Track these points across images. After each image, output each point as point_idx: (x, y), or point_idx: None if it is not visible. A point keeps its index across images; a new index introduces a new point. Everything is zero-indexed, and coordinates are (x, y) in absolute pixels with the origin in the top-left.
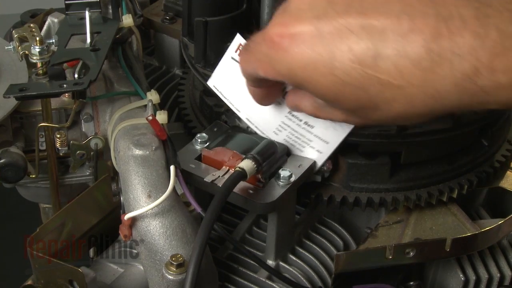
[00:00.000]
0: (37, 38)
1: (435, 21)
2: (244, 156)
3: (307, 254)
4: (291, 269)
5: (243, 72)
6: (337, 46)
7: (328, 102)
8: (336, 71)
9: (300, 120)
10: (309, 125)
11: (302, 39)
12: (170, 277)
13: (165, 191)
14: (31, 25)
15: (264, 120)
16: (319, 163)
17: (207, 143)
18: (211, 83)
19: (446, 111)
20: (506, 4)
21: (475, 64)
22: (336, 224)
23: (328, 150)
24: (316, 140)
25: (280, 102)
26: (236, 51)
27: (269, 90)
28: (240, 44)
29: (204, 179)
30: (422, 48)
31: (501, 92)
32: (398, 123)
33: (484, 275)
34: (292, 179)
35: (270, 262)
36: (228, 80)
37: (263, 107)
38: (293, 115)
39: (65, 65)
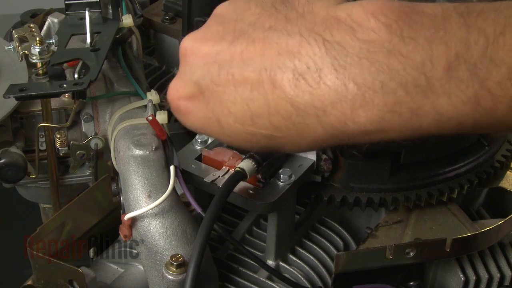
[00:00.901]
0: (37, 38)
1: (292, 75)
2: (244, 156)
3: (307, 254)
4: (291, 269)
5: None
6: (220, 110)
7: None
8: (226, 131)
9: None
10: None
11: (191, 101)
12: (170, 277)
13: (165, 191)
14: (31, 25)
15: None
16: (314, 157)
17: (207, 143)
18: None
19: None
20: (364, 52)
21: (340, 117)
22: (336, 224)
23: None
24: None
25: None
26: None
27: None
28: None
29: (204, 179)
30: (288, 104)
31: (372, 136)
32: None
33: (484, 275)
34: (292, 179)
35: (270, 262)
36: None
37: None
38: None
39: (65, 65)
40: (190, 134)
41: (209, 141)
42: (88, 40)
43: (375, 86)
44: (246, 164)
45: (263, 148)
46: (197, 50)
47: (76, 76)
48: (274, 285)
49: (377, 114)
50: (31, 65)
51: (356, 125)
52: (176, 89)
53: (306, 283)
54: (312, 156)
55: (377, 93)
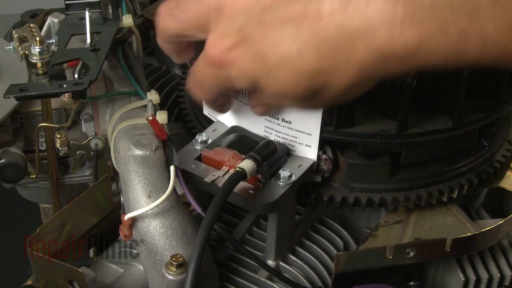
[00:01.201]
0: (37, 38)
1: (339, 3)
2: (244, 156)
3: (307, 254)
4: (291, 269)
5: (206, 98)
6: (266, 46)
7: (282, 98)
8: (272, 73)
9: (277, 119)
10: (286, 122)
11: (237, 49)
12: (170, 277)
13: (165, 191)
14: (31, 25)
15: (253, 129)
16: (314, 157)
17: (207, 143)
18: (206, 112)
19: (380, 79)
20: None
21: (388, 38)
22: (336, 224)
23: (314, 141)
24: (300, 136)
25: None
26: None
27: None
28: None
29: (204, 179)
30: (336, 32)
31: (418, 57)
32: (351, 98)
33: (484, 275)
34: (292, 179)
35: (270, 262)
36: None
37: (247, 120)
38: (270, 116)
39: (65, 65)
40: (190, 134)
41: (209, 141)
42: (88, 40)
43: (424, 5)
44: (246, 164)
45: (307, 90)
46: (235, 1)
47: (76, 76)
48: (274, 285)
49: (425, 33)
50: (31, 65)
51: (404, 46)
52: (217, 43)
53: (306, 283)
54: (312, 156)
55: (426, 13)
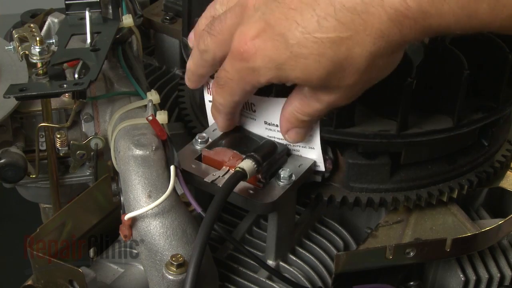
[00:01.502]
0: (37, 38)
1: None
2: (244, 156)
3: (307, 254)
4: (291, 269)
5: (229, 102)
6: (287, 27)
7: (304, 83)
8: (294, 49)
9: (277, 126)
10: None
11: (260, 36)
12: (170, 277)
13: (165, 191)
14: (31, 25)
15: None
16: (318, 160)
17: (207, 143)
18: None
19: (400, 46)
20: None
21: None
22: (336, 224)
23: (316, 143)
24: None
25: (254, 118)
26: (208, 93)
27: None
28: (208, 83)
29: (204, 179)
30: None
31: (431, 20)
32: (375, 79)
33: (484, 275)
34: (292, 179)
35: (270, 262)
36: None
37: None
38: (269, 124)
39: (65, 65)
40: (190, 134)
41: (209, 141)
42: (88, 40)
43: None
44: (246, 164)
45: (330, 65)
46: None
47: (76, 76)
48: (274, 285)
49: None
50: (31, 65)
51: (417, 6)
52: (244, 33)
53: (306, 283)
54: (312, 156)
55: None
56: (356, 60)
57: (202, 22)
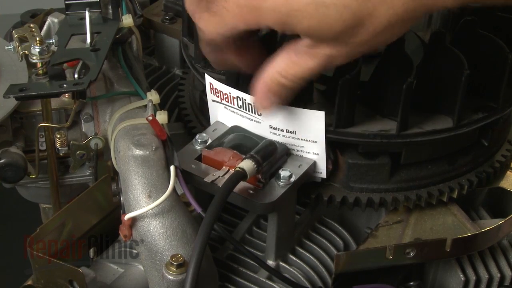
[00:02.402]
0: (37, 38)
1: None
2: (244, 156)
3: (307, 254)
4: (291, 269)
5: (214, 33)
6: None
7: (312, 35)
8: None
9: (282, 130)
10: (291, 132)
11: None
12: (170, 277)
13: (165, 191)
14: (31, 25)
15: None
16: (322, 165)
17: (207, 143)
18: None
19: (426, 11)
20: None
21: None
22: (336, 224)
23: (321, 149)
24: (306, 145)
25: (259, 122)
26: (211, 92)
27: (241, 44)
28: (211, 83)
29: (204, 179)
30: None
31: None
32: (381, 43)
33: (484, 275)
34: (292, 179)
35: (270, 262)
36: (223, 119)
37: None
38: (274, 129)
39: (65, 65)
40: (190, 134)
41: (209, 141)
42: (88, 40)
43: None
44: (246, 164)
45: (350, 20)
46: None
47: (76, 76)
48: (274, 285)
49: None
50: (31, 65)
51: None
52: None
53: (306, 283)
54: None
55: None
56: (378, 19)
57: None
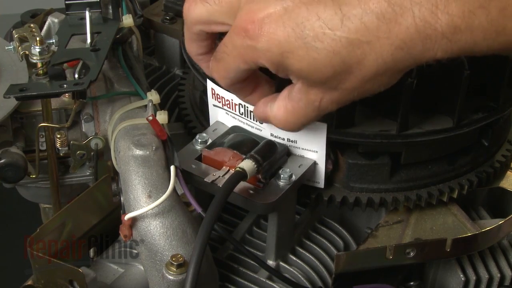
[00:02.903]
0: (37, 38)
1: None
2: (244, 156)
3: (307, 254)
4: (291, 269)
5: (224, 78)
6: (306, 17)
7: (303, 77)
8: (308, 40)
9: (283, 139)
10: (292, 141)
11: (272, 19)
12: (171, 277)
13: (166, 191)
14: (31, 25)
15: None
16: (320, 174)
17: (207, 143)
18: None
19: (414, 63)
20: None
21: (433, 10)
22: (336, 224)
23: (321, 157)
24: (307, 153)
25: (260, 129)
26: (213, 97)
27: (251, 82)
28: (213, 89)
29: (204, 179)
30: (384, 2)
31: (459, 36)
32: (371, 91)
33: (484, 275)
34: (293, 179)
35: (270, 262)
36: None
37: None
38: (275, 137)
39: (65, 65)
40: (190, 134)
41: (209, 141)
42: (88, 40)
43: None
44: (246, 164)
45: (339, 65)
46: None
47: (76, 76)
48: (274, 285)
49: (468, 8)
50: (31, 65)
51: (448, 18)
52: (253, 11)
53: (306, 283)
54: (312, 156)
55: None
56: (367, 67)
57: None
